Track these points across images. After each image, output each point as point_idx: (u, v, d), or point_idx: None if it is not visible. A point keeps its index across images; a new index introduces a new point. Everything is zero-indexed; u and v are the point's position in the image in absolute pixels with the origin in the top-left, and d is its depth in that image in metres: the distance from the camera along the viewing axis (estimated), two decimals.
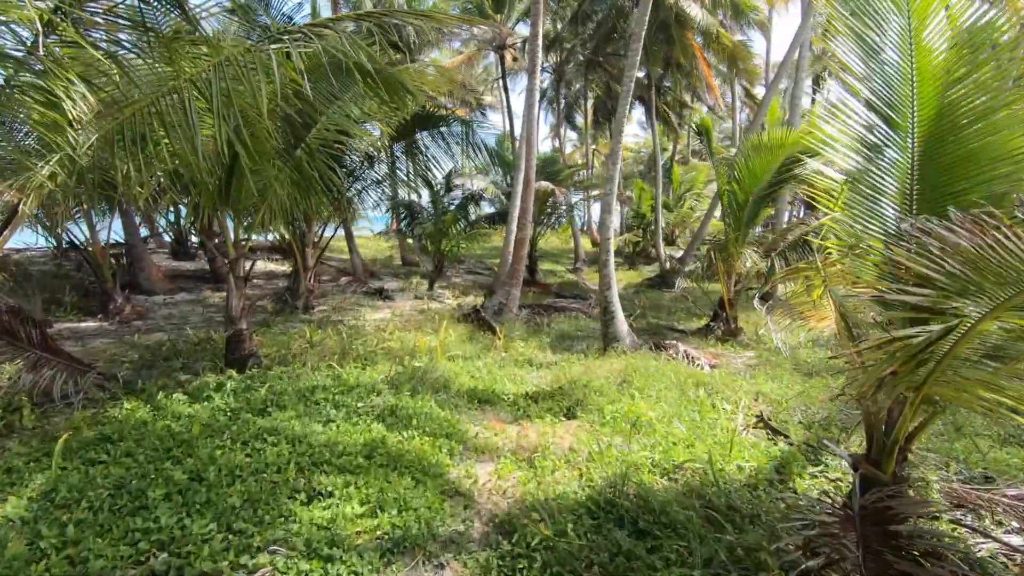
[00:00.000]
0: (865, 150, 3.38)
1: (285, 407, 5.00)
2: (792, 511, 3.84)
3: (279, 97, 5.57)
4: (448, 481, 3.78)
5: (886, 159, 3.32)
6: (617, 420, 5.30)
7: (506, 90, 21.28)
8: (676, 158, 28.88)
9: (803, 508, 3.76)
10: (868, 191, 3.41)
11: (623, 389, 6.37)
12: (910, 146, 3.14)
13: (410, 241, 17.01)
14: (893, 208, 3.33)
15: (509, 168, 15.14)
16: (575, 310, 12.08)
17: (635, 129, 47.82)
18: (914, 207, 3.20)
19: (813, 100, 29.68)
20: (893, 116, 3.19)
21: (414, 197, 16.21)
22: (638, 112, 34.49)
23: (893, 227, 3.33)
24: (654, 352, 8.25)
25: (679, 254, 23.43)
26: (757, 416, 5.94)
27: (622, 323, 8.23)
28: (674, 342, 8.55)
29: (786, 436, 5.33)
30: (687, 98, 25.39)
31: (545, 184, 14.55)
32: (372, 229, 25.51)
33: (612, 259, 8.09)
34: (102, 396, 5.49)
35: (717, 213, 18.13)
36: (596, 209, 47.26)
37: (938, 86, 2.87)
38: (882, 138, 3.29)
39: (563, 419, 5.40)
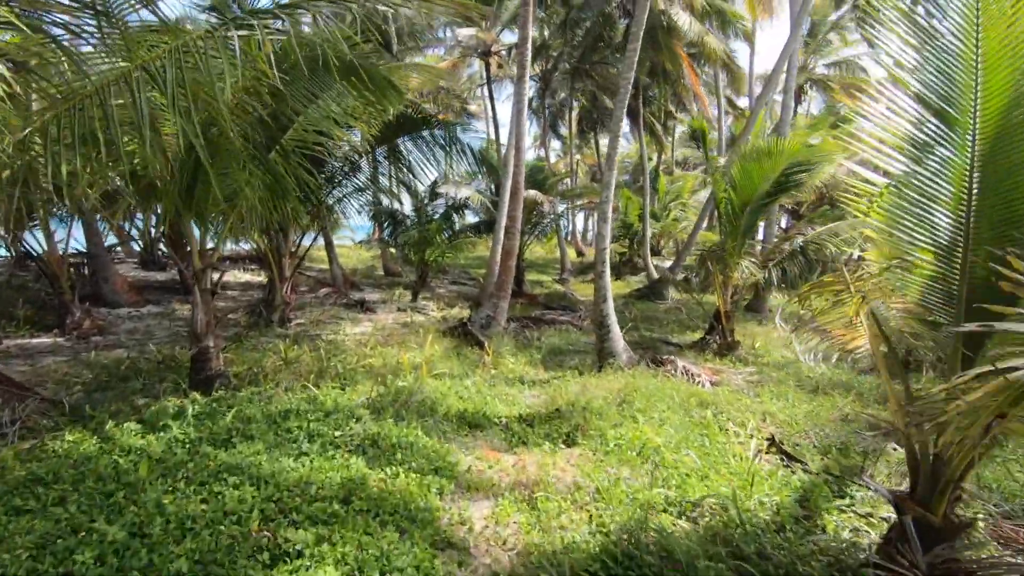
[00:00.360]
0: (913, 150, 3.00)
1: (253, 437, 4.44)
2: (825, 554, 3.41)
3: (247, 90, 5.07)
4: (439, 530, 3.27)
5: (937, 159, 2.93)
6: (622, 447, 4.83)
7: (491, 97, 20.95)
8: (661, 168, 28.77)
9: (842, 554, 3.33)
10: (915, 196, 3.03)
11: (624, 410, 5.92)
12: (969, 144, 2.76)
13: (393, 251, 16.45)
14: (946, 216, 2.94)
15: (496, 174, 14.71)
16: (565, 323, 11.64)
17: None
18: (972, 215, 2.81)
19: (795, 112, 29.86)
20: (949, 110, 2.80)
21: (397, 205, 15.70)
22: (623, 123, 34.53)
23: (947, 237, 2.94)
24: (651, 368, 7.83)
25: (666, 264, 23.24)
26: (768, 439, 5.54)
27: (618, 338, 7.81)
28: (672, 357, 8.14)
29: (803, 463, 4.92)
30: (672, 108, 25.34)
31: (533, 193, 14.15)
32: (353, 238, 24.91)
33: (608, 271, 7.67)
34: (44, 425, 4.87)
35: (705, 223, 17.93)
36: (580, 219, 47.11)
37: (1013, 71, 2.48)
38: (934, 135, 2.91)
39: (563, 446, 4.92)
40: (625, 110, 7.49)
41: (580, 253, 32.37)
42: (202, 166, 5.42)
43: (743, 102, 32.71)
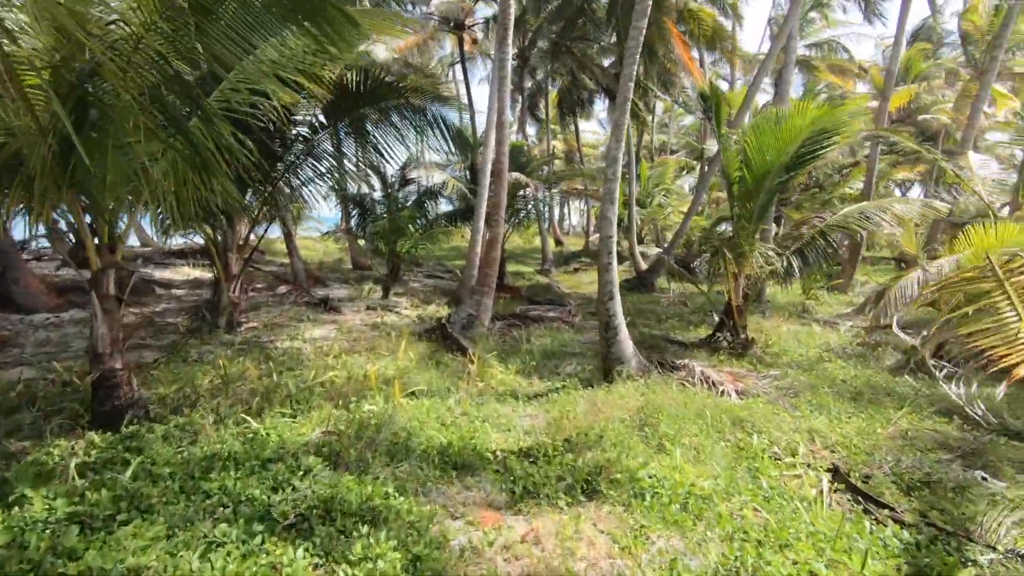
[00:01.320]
0: None
1: (151, 510, 3.13)
2: None
3: (146, 27, 3.70)
4: None
5: None
6: (661, 496, 3.67)
7: (466, 77, 19.47)
8: (641, 153, 27.73)
9: None
10: None
11: (649, 437, 4.77)
12: None
13: (361, 242, 14.98)
14: None
15: (472, 153, 13.35)
16: (554, 320, 10.45)
17: (593, 126, 46.89)
18: None
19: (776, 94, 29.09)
20: None
21: (366, 191, 14.26)
22: (600, 107, 33.37)
23: None
24: (664, 374, 6.71)
25: (652, 251, 22.28)
26: (830, 470, 4.45)
27: (627, 341, 6.64)
28: (687, 362, 7.03)
29: (890, 508, 3.83)
30: (653, 87, 24.28)
31: (518, 175, 12.88)
32: (321, 229, 23.24)
33: (615, 262, 6.48)
34: None
35: (699, 208, 16.93)
36: (556, 206, 45.91)
37: None
38: None
39: (583, 499, 3.73)
40: (635, 70, 6.27)
41: (559, 242, 31.23)
42: (88, 130, 4.03)
43: (724, 84, 31.87)
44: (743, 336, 8.51)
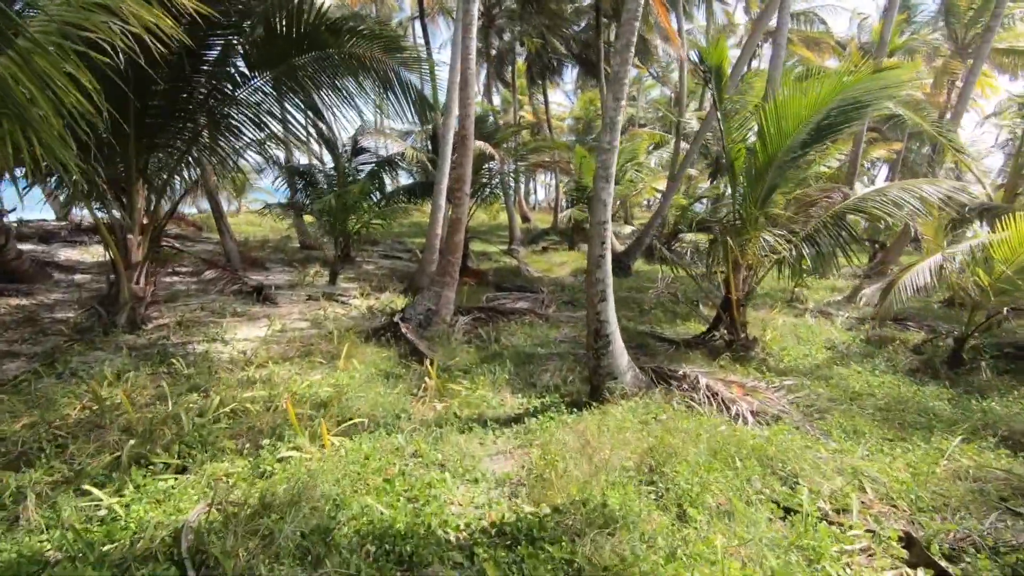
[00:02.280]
0: None
1: None
2: None
3: None
4: None
5: None
6: None
7: (426, 34, 17.56)
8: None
9: None
10: None
11: (663, 497, 3.58)
12: None
13: (310, 219, 13.26)
14: None
15: (436, 112, 11.75)
16: (526, 312, 9.16)
17: (559, 97, 45.15)
18: None
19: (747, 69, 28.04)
20: None
21: (315, 161, 12.52)
22: (568, 77, 31.81)
23: None
24: (662, 386, 5.55)
25: (625, 231, 21.19)
26: (902, 539, 3.36)
27: (621, 353, 5.41)
28: (687, 371, 5.88)
29: None
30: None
31: (483, 145, 11.39)
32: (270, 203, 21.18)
33: (609, 255, 5.19)
34: None
35: (680, 186, 15.77)
36: (531, 181, 44.31)
37: None
38: None
39: None
40: (638, 19, 4.89)
41: (526, 218, 29.83)
42: None
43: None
44: (744, 335, 7.44)
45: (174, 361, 5.87)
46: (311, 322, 8.11)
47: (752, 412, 5.25)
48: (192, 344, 6.82)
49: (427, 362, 6.00)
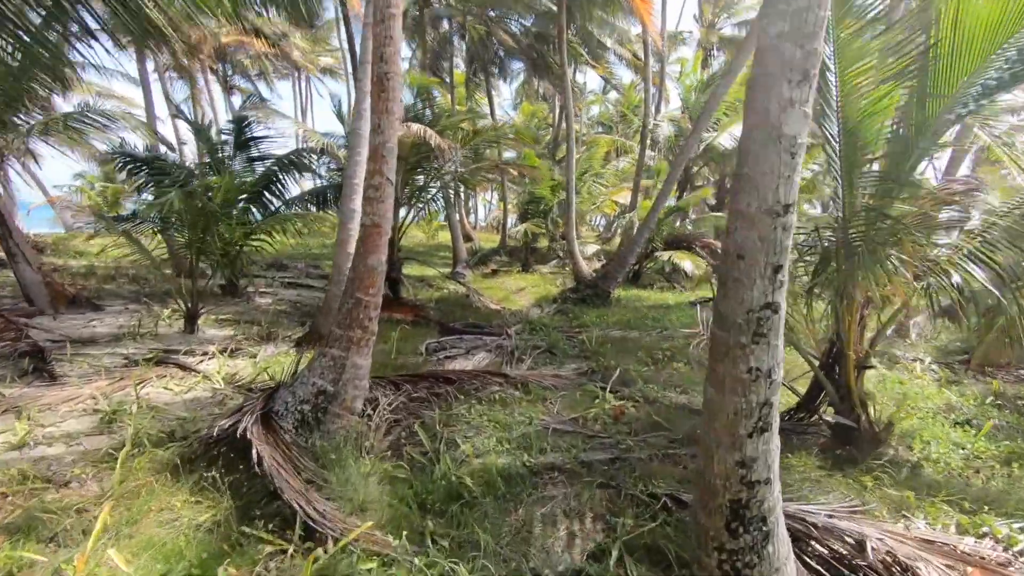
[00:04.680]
0: None
1: None
2: None
3: None
4: None
5: None
6: None
7: (350, 35, 13.64)
8: (561, 129, 23.64)
9: None
10: None
11: None
12: None
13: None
14: None
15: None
16: (490, 377, 5.77)
17: (503, 98, 42.30)
18: None
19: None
20: None
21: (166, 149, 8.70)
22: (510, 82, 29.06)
23: None
24: None
25: (589, 250, 18.26)
26: None
27: (784, 542, 2.18)
28: (858, 534, 2.71)
29: None
30: (584, 55, 20.38)
31: (421, 130, 8.01)
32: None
33: (780, 351, 2.02)
34: None
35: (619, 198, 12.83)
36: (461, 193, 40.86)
37: None
38: None
39: None
40: None
41: (468, 238, 26.45)
42: None
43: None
44: (865, 417, 4.39)
45: None
46: (101, 420, 4.37)
47: None
48: None
49: (302, 524, 2.50)
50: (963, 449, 4.56)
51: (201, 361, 6.02)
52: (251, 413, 3.67)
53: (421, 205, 10.25)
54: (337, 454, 3.72)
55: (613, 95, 35.03)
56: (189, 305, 7.30)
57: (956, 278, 4.15)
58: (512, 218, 21.90)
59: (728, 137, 16.81)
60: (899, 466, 4.08)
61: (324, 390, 4.17)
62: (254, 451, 3.26)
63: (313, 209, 9.76)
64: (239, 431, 3.41)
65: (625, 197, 19.91)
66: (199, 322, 7.54)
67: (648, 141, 17.32)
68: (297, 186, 11.63)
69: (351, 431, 4.11)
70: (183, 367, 5.71)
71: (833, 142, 4.36)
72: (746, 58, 10.29)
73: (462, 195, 27.31)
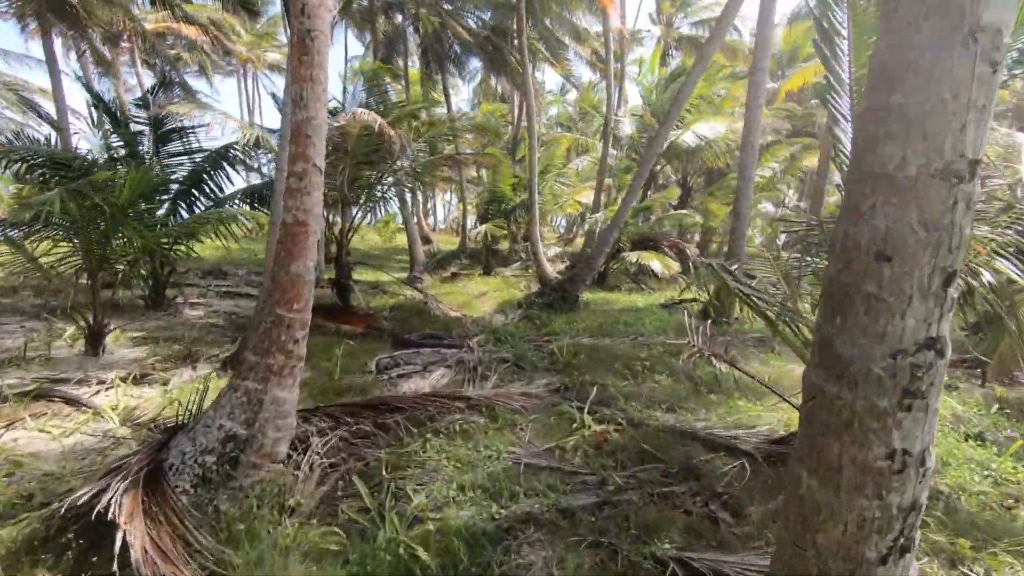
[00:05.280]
0: None
1: None
2: None
3: None
4: None
5: None
6: None
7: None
8: (521, 125, 22.95)
9: None
10: None
11: None
12: None
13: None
14: None
15: None
16: (450, 401, 4.95)
17: (461, 99, 41.36)
18: None
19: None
20: None
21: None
22: (467, 78, 28.28)
23: None
24: None
25: (551, 252, 17.61)
26: None
27: None
28: None
29: None
30: (543, 52, 19.73)
31: (366, 114, 7.09)
32: None
33: (936, 393, 1.29)
34: None
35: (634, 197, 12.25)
36: (430, 198, 39.81)
37: None
38: None
39: None
40: None
41: (427, 240, 25.43)
42: None
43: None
44: None
45: None
46: None
47: None
48: None
49: None
50: (987, 471, 4.02)
51: (97, 392, 4.97)
52: (126, 475, 2.74)
53: (372, 204, 9.30)
54: (247, 522, 2.83)
55: (571, 95, 34.69)
56: (92, 321, 6.18)
57: (987, 276, 3.60)
58: (472, 219, 21.05)
59: (692, 136, 16.43)
60: (933, 499, 3.49)
61: (234, 434, 3.26)
62: (118, 537, 2.34)
63: (247, 208, 8.69)
64: (100, 507, 2.48)
65: (588, 196, 19.36)
66: (107, 341, 6.42)
67: (611, 138, 16.81)
68: (246, 184, 10.54)
69: (271, 485, 3.21)
70: (71, 401, 4.66)
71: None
72: (712, 52, 9.84)
73: (420, 195, 26.32)
